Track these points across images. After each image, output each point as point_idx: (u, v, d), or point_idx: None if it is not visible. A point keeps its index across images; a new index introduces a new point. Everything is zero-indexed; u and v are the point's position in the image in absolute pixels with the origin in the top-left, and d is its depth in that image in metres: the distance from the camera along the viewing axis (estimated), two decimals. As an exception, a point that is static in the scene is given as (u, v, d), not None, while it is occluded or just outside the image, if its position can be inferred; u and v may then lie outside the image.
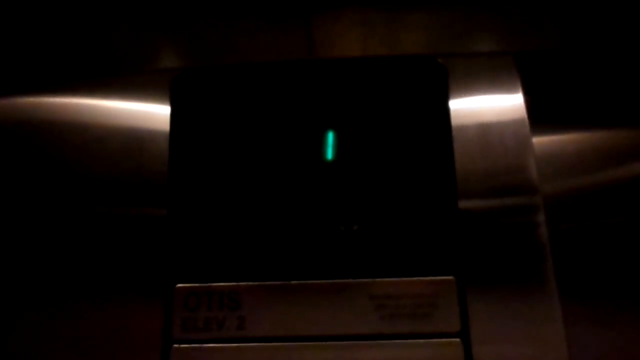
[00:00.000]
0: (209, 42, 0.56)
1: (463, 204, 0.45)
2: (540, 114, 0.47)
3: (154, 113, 0.49)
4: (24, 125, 0.49)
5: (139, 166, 0.47)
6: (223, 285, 0.44)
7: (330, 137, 0.47)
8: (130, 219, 0.46)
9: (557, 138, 0.47)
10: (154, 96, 0.50)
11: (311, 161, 0.46)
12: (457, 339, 0.42)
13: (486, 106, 0.48)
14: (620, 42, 0.54)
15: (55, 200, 0.47)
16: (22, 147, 0.49)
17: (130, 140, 0.48)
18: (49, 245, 0.45)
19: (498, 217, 0.44)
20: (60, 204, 0.46)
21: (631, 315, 0.42)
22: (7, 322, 0.44)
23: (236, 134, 0.48)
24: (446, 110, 0.47)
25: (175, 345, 0.43)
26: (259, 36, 0.55)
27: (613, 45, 0.54)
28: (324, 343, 0.42)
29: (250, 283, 0.44)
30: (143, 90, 0.50)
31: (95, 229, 0.45)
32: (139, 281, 0.44)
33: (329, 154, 0.46)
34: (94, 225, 0.46)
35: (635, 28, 0.54)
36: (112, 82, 0.51)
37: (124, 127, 0.48)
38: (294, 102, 0.48)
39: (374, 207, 0.45)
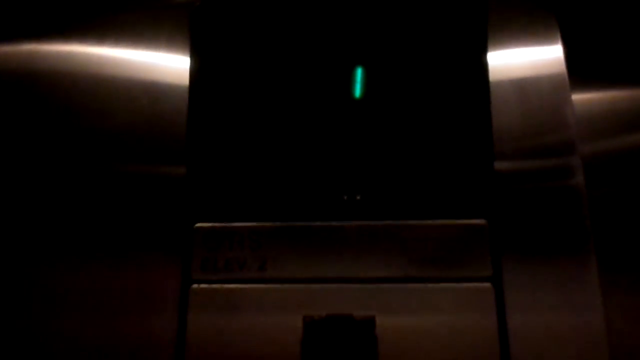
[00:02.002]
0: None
1: (498, 164, 0.42)
2: (579, 67, 0.45)
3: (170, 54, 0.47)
4: (27, 74, 0.47)
5: (156, 113, 0.45)
6: (244, 226, 0.42)
7: (359, 73, 0.44)
8: (148, 166, 0.44)
9: (598, 95, 0.45)
10: (171, 35, 0.47)
11: (338, 99, 0.44)
12: (488, 284, 0.40)
13: (523, 55, 0.45)
14: None
15: (65, 156, 0.44)
16: (26, 98, 0.46)
17: (146, 87, 0.46)
18: (60, 200, 0.43)
19: (534, 178, 0.42)
20: (70, 159, 0.44)
21: None
22: (27, 276, 0.42)
23: (259, 69, 0.45)
24: (485, 47, 0.45)
25: (195, 286, 0.41)
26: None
27: None
28: (349, 285, 0.41)
29: (273, 223, 0.42)
30: (157, 29, 0.48)
31: (111, 181, 0.43)
32: (158, 226, 0.42)
33: (357, 91, 0.44)
34: (108, 177, 0.44)
35: None
36: (123, 22, 0.48)
37: (137, 75, 0.46)
38: (322, 36, 0.46)
39: (404, 148, 0.43)
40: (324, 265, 0.41)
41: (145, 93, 0.45)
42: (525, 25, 0.46)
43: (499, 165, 0.42)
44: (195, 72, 0.46)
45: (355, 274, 0.41)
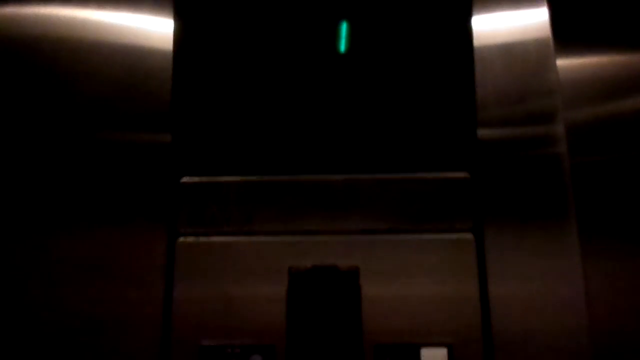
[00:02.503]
0: None
1: (481, 130, 0.43)
2: (565, 31, 0.45)
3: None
4: (8, 38, 0.46)
5: (141, 77, 0.44)
6: (230, 179, 0.42)
7: (344, 29, 0.44)
8: (133, 130, 0.44)
9: (583, 60, 0.45)
10: None
11: (324, 55, 0.44)
12: (470, 234, 0.41)
13: (508, 18, 0.45)
14: None
15: (48, 121, 0.44)
16: (8, 62, 0.45)
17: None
18: (44, 165, 0.43)
19: (517, 145, 0.42)
20: (53, 124, 0.44)
21: None
22: (13, 244, 0.42)
23: (244, 27, 0.45)
24: (469, 9, 0.45)
25: (181, 239, 0.42)
26: None
27: None
28: (334, 237, 0.41)
29: (259, 177, 0.42)
30: None
31: (95, 146, 0.43)
32: (144, 185, 0.42)
33: (343, 46, 0.44)
34: (91, 142, 0.43)
35: None
36: None
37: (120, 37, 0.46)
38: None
39: (388, 105, 0.44)
40: (310, 218, 0.42)
41: (129, 57, 0.45)
42: None
43: (483, 130, 0.43)
44: (179, 33, 0.45)
45: (340, 226, 0.41)
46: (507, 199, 0.41)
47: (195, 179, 0.43)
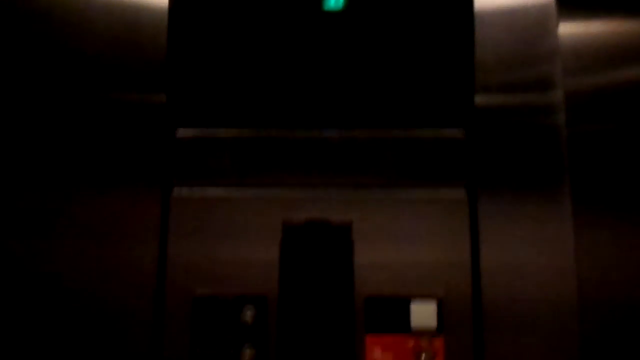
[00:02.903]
0: None
1: (478, 97, 0.42)
2: None
3: None
4: None
5: (136, 34, 0.44)
6: (226, 133, 0.42)
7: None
8: (129, 89, 0.43)
9: (585, 27, 0.44)
10: None
11: (321, 11, 0.44)
12: (463, 190, 0.41)
13: None
14: None
15: (43, 77, 0.43)
16: (8, 12, 0.44)
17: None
18: (38, 124, 0.43)
19: (515, 113, 0.42)
20: (48, 81, 0.43)
21: None
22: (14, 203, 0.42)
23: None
24: None
25: (176, 191, 0.42)
26: None
27: None
28: (328, 192, 0.41)
29: (254, 131, 0.42)
30: None
31: (90, 104, 0.43)
32: (140, 140, 0.42)
33: (339, 3, 0.44)
34: (87, 100, 0.43)
35: None
36: None
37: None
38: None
39: (385, 62, 0.43)
40: (304, 172, 0.42)
41: (124, 12, 0.44)
42: None
43: (480, 94, 0.42)
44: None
45: (334, 180, 0.42)
46: (502, 164, 0.41)
47: (191, 132, 0.43)
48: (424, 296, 0.40)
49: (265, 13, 0.44)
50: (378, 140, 0.42)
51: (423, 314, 0.39)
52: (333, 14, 0.44)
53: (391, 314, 0.39)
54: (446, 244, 0.40)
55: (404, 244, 0.41)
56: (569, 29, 0.43)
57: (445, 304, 0.39)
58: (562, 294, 0.39)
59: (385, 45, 0.43)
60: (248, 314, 0.40)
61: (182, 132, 0.43)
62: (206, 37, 0.44)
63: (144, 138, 0.42)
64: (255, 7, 0.44)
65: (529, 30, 0.43)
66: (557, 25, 0.43)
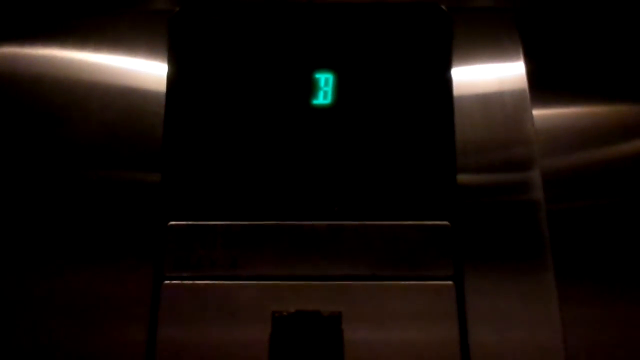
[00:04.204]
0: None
1: (461, 176, 0.44)
2: (541, 82, 0.46)
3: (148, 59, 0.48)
4: (8, 77, 0.47)
5: (134, 120, 0.45)
6: (217, 224, 0.43)
7: (330, 82, 0.46)
8: (124, 172, 0.44)
9: (558, 111, 0.46)
10: (150, 41, 0.48)
11: (310, 106, 0.46)
12: (450, 282, 0.42)
13: (486, 70, 0.47)
14: (626, 5, 0.51)
15: (42, 160, 0.44)
16: (6, 101, 0.46)
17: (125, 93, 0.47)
18: (34, 203, 0.43)
19: (495, 192, 0.43)
20: (47, 163, 0.44)
21: (627, 296, 0.42)
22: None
23: (234, 76, 0.47)
24: (449, 65, 0.47)
25: (167, 282, 0.42)
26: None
27: (618, 7, 0.52)
28: (317, 283, 0.42)
29: (244, 222, 0.43)
30: (137, 34, 0.49)
31: (86, 186, 0.44)
32: (132, 228, 0.43)
33: (328, 98, 0.46)
34: (83, 182, 0.44)
35: None
36: (105, 27, 0.49)
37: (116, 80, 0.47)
38: (295, 45, 0.47)
39: (372, 154, 0.45)
40: (294, 263, 0.42)
41: (123, 99, 0.46)
42: (489, 41, 0.48)
43: (462, 177, 0.44)
44: (172, 78, 0.47)
45: (323, 272, 0.42)
46: (486, 246, 0.42)
47: (183, 223, 0.43)
48: (415, 387, 0.39)
49: (256, 108, 0.46)
50: (366, 232, 0.43)
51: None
52: (322, 109, 0.46)
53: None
54: (435, 330, 0.41)
55: (394, 332, 0.41)
56: (542, 113, 0.46)
57: (436, 394, 0.39)
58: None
59: (371, 139, 0.45)
60: (237, 405, 0.39)
61: (174, 223, 0.43)
62: (200, 125, 0.46)
63: (138, 222, 0.43)
64: (247, 102, 0.46)
65: (505, 115, 0.45)
66: (531, 110, 0.45)
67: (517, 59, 0.47)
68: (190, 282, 0.42)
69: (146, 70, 0.47)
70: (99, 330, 0.41)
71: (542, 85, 0.46)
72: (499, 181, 0.44)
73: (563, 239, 0.42)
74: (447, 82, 0.46)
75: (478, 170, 0.44)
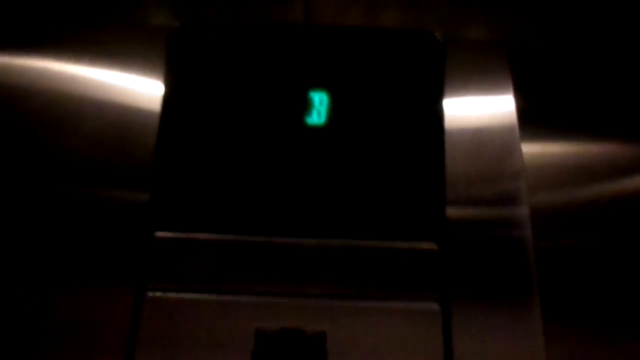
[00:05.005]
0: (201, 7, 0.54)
1: (449, 210, 0.44)
2: (531, 117, 0.47)
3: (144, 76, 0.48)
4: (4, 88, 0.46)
5: (126, 137, 0.45)
6: (204, 237, 0.43)
7: (322, 104, 0.47)
8: (113, 189, 0.44)
9: (547, 147, 0.47)
10: (147, 58, 0.48)
11: (303, 134, 0.46)
12: (437, 305, 0.41)
13: (476, 102, 0.48)
14: (618, 43, 0.53)
15: (32, 175, 0.44)
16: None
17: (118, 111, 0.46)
18: (21, 219, 0.43)
19: (483, 228, 0.44)
20: (36, 178, 0.44)
21: (613, 336, 0.42)
22: None
23: (228, 95, 0.47)
24: (441, 93, 0.47)
25: (149, 294, 0.41)
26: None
27: (610, 45, 0.53)
28: (302, 300, 0.41)
29: (231, 236, 0.43)
30: (134, 50, 0.49)
31: (73, 202, 0.43)
32: (118, 240, 0.42)
33: (321, 120, 0.46)
34: (71, 198, 0.43)
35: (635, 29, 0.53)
36: (101, 41, 0.49)
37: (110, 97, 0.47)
38: (291, 64, 0.48)
39: (362, 177, 0.45)
40: (280, 280, 0.42)
41: (116, 116, 0.46)
42: (481, 74, 0.49)
43: (450, 210, 0.44)
44: (168, 93, 0.47)
45: (309, 289, 0.42)
46: (473, 275, 0.42)
47: (169, 234, 0.43)
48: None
49: (251, 125, 0.46)
50: (354, 251, 0.43)
51: None
52: (315, 128, 0.46)
53: None
54: (420, 352, 0.40)
55: (379, 352, 0.40)
56: (531, 149, 0.46)
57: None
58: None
59: (362, 160, 0.45)
60: None
61: (161, 233, 0.43)
62: (193, 143, 0.46)
63: (123, 234, 0.42)
64: (241, 119, 0.46)
65: (494, 149, 0.46)
66: (520, 145, 0.46)
67: (508, 93, 0.48)
68: (174, 295, 0.41)
69: (141, 87, 0.47)
70: (78, 350, 0.39)
71: (532, 120, 0.47)
72: (487, 214, 0.44)
73: (550, 276, 0.42)
74: (438, 109, 0.47)
75: (467, 202, 0.44)
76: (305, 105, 0.47)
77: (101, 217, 0.43)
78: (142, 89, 0.47)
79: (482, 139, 0.46)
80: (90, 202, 0.43)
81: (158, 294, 0.41)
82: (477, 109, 0.47)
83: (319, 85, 0.47)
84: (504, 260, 0.42)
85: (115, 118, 0.46)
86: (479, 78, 0.48)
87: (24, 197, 0.43)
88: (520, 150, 0.45)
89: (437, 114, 0.47)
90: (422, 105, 0.47)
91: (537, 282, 0.42)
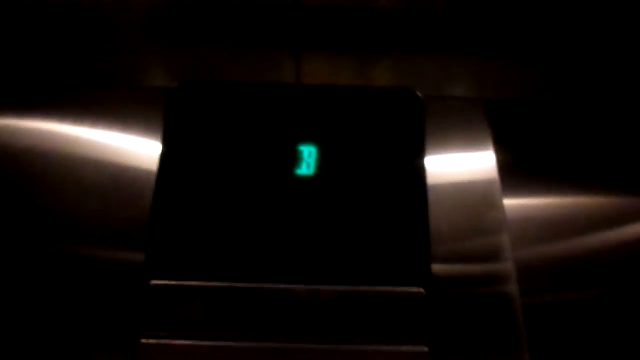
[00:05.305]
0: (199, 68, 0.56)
1: (434, 267, 0.45)
2: (511, 171, 0.48)
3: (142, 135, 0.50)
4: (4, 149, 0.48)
5: (122, 198, 0.47)
6: (197, 284, 0.44)
7: (313, 153, 0.49)
8: (108, 250, 0.45)
9: (528, 200, 0.47)
10: (147, 119, 0.50)
11: (290, 175, 0.48)
12: (425, 348, 0.42)
13: (457, 159, 0.49)
14: (595, 98, 0.54)
15: (30, 237, 0.45)
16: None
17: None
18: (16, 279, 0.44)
19: (469, 284, 0.44)
20: (34, 240, 0.45)
21: None
22: None
23: (224, 155, 0.49)
24: (422, 146, 0.49)
25: (144, 341, 0.42)
26: (249, 64, 0.57)
27: (589, 98, 0.54)
28: (296, 345, 0.42)
29: (225, 284, 0.44)
30: (135, 111, 0.51)
31: (68, 264, 0.44)
32: (113, 289, 0.44)
33: (310, 169, 0.49)
34: (66, 260, 0.45)
35: (610, 84, 0.54)
36: (103, 102, 0.51)
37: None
38: (282, 120, 0.50)
39: (348, 222, 0.47)
40: (272, 325, 0.43)
41: (114, 177, 0.48)
42: (460, 129, 0.50)
43: (435, 267, 0.45)
44: (164, 151, 0.49)
45: (300, 334, 0.43)
46: (460, 335, 0.43)
47: (164, 282, 0.44)
48: None
49: (243, 177, 0.48)
50: (343, 297, 0.44)
51: None
52: (304, 179, 0.48)
53: None
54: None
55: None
56: (513, 203, 0.46)
57: None
58: None
59: (349, 208, 0.47)
60: None
61: (156, 282, 0.44)
62: (188, 195, 0.48)
63: (117, 291, 0.43)
64: (234, 173, 0.48)
65: (477, 204, 0.47)
66: (501, 199, 0.46)
67: (488, 147, 0.49)
68: (168, 341, 0.42)
69: (140, 149, 0.49)
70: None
71: (512, 173, 0.48)
72: (471, 271, 0.44)
73: (538, 332, 0.42)
74: (419, 161, 0.49)
75: (451, 258, 0.45)
76: (295, 158, 0.49)
77: (95, 275, 0.44)
78: (140, 149, 0.49)
79: (464, 192, 0.47)
80: (87, 258, 0.45)
81: (152, 340, 0.42)
82: (458, 164, 0.49)
83: (307, 139, 0.50)
84: (490, 316, 0.43)
85: (114, 176, 0.47)
86: (458, 133, 0.50)
87: (23, 254, 0.45)
88: (502, 204, 0.46)
89: (418, 166, 0.49)
90: (404, 157, 0.49)
91: (525, 340, 0.42)
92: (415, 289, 0.44)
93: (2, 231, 0.45)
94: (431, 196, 0.47)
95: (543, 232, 0.46)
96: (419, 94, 0.52)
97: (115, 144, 0.49)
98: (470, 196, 0.47)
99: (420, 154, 0.49)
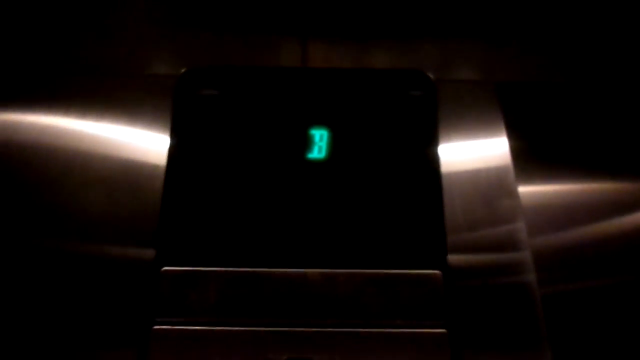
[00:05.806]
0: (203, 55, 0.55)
1: (450, 257, 0.44)
2: (524, 157, 0.47)
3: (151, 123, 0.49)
4: (7, 144, 0.47)
5: (131, 193, 0.46)
6: (209, 270, 0.43)
7: (325, 137, 0.48)
8: (118, 246, 0.44)
9: (542, 187, 0.46)
10: (154, 110, 0.49)
11: (302, 159, 0.48)
12: (444, 330, 0.41)
13: (469, 144, 0.48)
14: (609, 79, 0.53)
15: (35, 232, 0.44)
16: (4, 169, 0.46)
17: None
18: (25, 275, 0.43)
19: (485, 274, 0.43)
20: (40, 235, 0.44)
21: None
22: None
23: (234, 132, 0.49)
24: (435, 128, 0.48)
25: (157, 327, 0.41)
26: (255, 50, 0.56)
27: (601, 81, 0.53)
28: (310, 330, 0.42)
29: (237, 269, 0.43)
30: (142, 102, 0.50)
31: (77, 260, 0.44)
32: (124, 279, 0.43)
33: (322, 152, 0.48)
34: (75, 256, 0.44)
35: (622, 66, 0.53)
36: (109, 95, 0.50)
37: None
38: (292, 104, 0.50)
39: (360, 205, 0.46)
40: (287, 310, 0.42)
41: (122, 172, 0.47)
42: (472, 114, 0.50)
43: (452, 257, 0.44)
44: (174, 137, 0.48)
45: (316, 319, 0.42)
46: (479, 328, 0.42)
47: (176, 269, 0.43)
48: None
49: (255, 161, 0.48)
50: (358, 280, 0.43)
51: None
52: (316, 163, 0.48)
53: None
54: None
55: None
56: (528, 190, 0.45)
57: None
58: None
59: (362, 191, 0.47)
60: None
61: (167, 268, 0.44)
62: (200, 179, 0.47)
63: (129, 279, 0.43)
64: (246, 158, 0.48)
65: (491, 191, 0.46)
66: (516, 187, 0.45)
67: (500, 133, 0.49)
68: (181, 327, 0.41)
69: (146, 142, 0.48)
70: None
71: (526, 159, 0.47)
72: (488, 261, 0.44)
73: (558, 321, 0.42)
74: (432, 142, 0.48)
75: (467, 248, 0.44)
76: (306, 142, 0.48)
77: (109, 262, 0.43)
78: (147, 143, 0.48)
79: (478, 179, 0.46)
80: (99, 249, 0.44)
81: (166, 327, 0.41)
82: (471, 149, 0.48)
83: (319, 123, 0.49)
84: (509, 307, 0.42)
85: (121, 172, 0.47)
86: (470, 117, 0.50)
87: (35, 245, 0.44)
88: (516, 191, 0.45)
89: (431, 147, 0.48)
90: (416, 139, 0.49)
91: (544, 327, 0.41)
92: (431, 271, 0.44)
93: (16, 224, 0.44)
94: (444, 184, 0.46)
95: (558, 220, 0.45)
96: (430, 75, 0.52)
97: (120, 139, 0.48)
98: (485, 183, 0.46)
99: (433, 136, 0.49)
